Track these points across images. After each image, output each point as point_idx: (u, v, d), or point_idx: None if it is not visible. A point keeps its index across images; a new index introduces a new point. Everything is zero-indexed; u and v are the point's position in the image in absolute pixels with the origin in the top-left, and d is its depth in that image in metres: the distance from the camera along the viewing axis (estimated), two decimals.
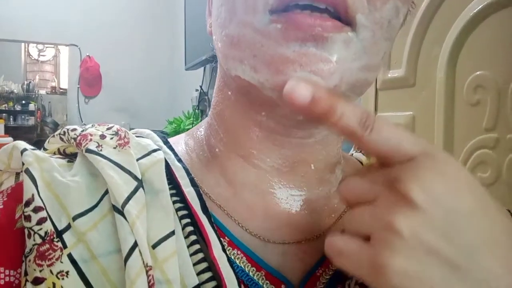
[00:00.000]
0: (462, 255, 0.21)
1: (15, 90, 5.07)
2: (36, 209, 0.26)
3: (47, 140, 0.34)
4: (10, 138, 3.16)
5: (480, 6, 0.72)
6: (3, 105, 4.96)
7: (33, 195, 0.27)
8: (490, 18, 0.71)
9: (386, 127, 0.23)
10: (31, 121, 4.98)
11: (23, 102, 5.07)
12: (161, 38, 3.59)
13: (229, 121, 0.32)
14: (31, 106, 5.08)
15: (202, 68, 2.59)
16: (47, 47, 5.46)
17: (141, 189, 0.28)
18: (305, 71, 0.25)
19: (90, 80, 3.53)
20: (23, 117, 5.01)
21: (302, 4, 0.25)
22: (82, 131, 0.31)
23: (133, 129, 0.37)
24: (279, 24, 0.25)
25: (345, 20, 0.25)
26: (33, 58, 5.58)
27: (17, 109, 5.03)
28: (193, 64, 2.45)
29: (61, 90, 5.20)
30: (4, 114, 4.85)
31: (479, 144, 0.74)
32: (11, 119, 4.93)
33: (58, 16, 3.40)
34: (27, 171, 0.28)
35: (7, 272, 0.26)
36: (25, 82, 5.25)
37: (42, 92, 5.31)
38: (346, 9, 0.25)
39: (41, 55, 5.59)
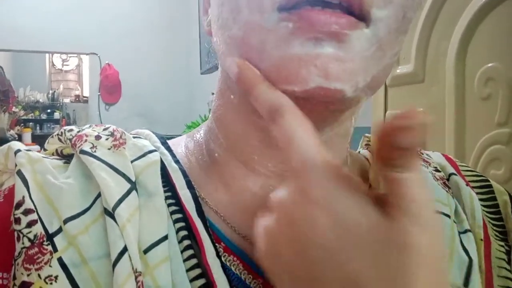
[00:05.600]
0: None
1: (40, 100, 5.24)
2: (26, 212, 0.26)
3: (47, 141, 0.33)
4: (37, 147, 3.26)
5: None
6: (30, 114, 5.14)
7: (23, 197, 0.26)
8: (499, 7, 0.68)
9: (294, 124, 0.23)
10: (57, 129, 5.08)
11: (49, 111, 5.24)
12: (176, 44, 3.63)
13: (230, 126, 0.31)
14: (56, 115, 5.24)
15: (217, 71, 2.61)
16: (70, 56, 5.62)
17: (134, 191, 0.27)
18: (320, 73, 0.23)
19: (110, 87, 3.60)
20: (48, 125, 5.17)
21: (313, 0, 0.23)
22: (78, 131, 0.31)
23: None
24: (290, 22, 0.23)
25: (359, 15, 0.23)
26: (57, 68, 5.75)
27: (43, 118, 5.20)
28: (208, 68, 2.47)
29: (84, 98, 5.33)
30: (31, 123, 5.02)
31: (492, 140, 0.71)
32: (38, 127, 5.09)
33: (79, 26, 3.48)
34: (19, 173, 0.28)
35: None
36: (50, 92, 5.42)
37: (66, 100, 5.47)
38: (361, 3, 0.23)
39: (65, 65, 5.75)
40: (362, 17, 0.23)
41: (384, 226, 0.20)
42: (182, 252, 0.27)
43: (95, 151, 0.29)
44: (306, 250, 0.21)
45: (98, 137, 0.30)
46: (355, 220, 0.20)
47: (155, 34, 3.65)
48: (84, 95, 5.41)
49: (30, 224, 0.26)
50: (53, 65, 5.73)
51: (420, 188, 0.20)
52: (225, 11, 0.26)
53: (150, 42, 3.63)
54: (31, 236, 0.26)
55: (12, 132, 4.52)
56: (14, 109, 4.54)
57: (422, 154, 0.37)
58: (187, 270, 0.26)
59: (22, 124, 4.90)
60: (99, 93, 3.64)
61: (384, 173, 0.21)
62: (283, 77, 0.23)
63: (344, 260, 0.20)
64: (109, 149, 0.29)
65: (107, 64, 3.58)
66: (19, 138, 4.45)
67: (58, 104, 5.34)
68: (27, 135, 4.36)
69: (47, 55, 5.46)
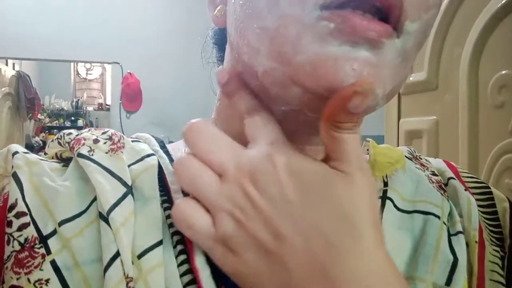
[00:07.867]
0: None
1: (65, 108, 5.39)
2: (18, 215, 0.26)
3: (47, 145, 0.33)
4: None
5: (501, 3, 0.68)
6: (54, 122, 5.28)
7: (16, 200, 0.26)
8: None
9: (264, 116, 0.27)
10: None
11: (73, 118, 5.38)
12: (195, 53, 3.68)
13: (227, 124, 0.31)
14: (80, 122, 5.37)
15: None
16: (94, 66, 5.77)
17: (129, 195, 0.27)
18: (356, 75, 0.23)
19: (132, 96, 3.67)
20: None
21: (356, 4, 0.23)
22: (77, 135, 0.31)
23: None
24: (331, 23, 0.23)
25: (395, 26, 0.24)
26: (81, 77, 5.91)
27: (67, 125, 5.33)
28: None
29: (107, 106, 5.45)
30: (55, 130, 5.16)
31: (506, 148, 0.69)
32: None
33: (102, 36, 3.59)
34: (14, 175, 0.28)
35: None
36: (74, 100, 5.57)
37: (90, 108, 5.60)
38: (400, 14, 0.24)
39: (89, 74, 5.90)
40: (396, 28, 0.24)
41: (335, 176, 0.23)
42: (176, 257, 0.26)
43: (92, 155, 0.29)
44: (273, 210, 0.23)
45: (96, 141, 0.30)
46: (313, 176, 0.24)
47: (176, 45, 3.71)
48: (106, 103, 5.53)
49: (21, 228, 0.26)
50: (78, 74, 5.89)
51: (358, 144, 0.24)
52: (260, 1, 0.25)
53: (170, 52, 3.70)
54: (21, 239, 0.25)
55: (37, 138, 4.66)
56: (39, 116, 4.69)
57: (421, 158, 0.37)
58: (181, 276, 0.26)
59: (47, 131, 5.05)
60: (120, 101, 3.72)
61: (331, 133, 0.24)
62: (318, 73, 0.23)
63: (306, 212, 0.23)
64: (106, 152, 0.29)
65: (129, 73, 3.66)
66: (44, 145, 4.57)
67: (82, 112, 5.47)
68: None
69: (72, 64, 5.62)
